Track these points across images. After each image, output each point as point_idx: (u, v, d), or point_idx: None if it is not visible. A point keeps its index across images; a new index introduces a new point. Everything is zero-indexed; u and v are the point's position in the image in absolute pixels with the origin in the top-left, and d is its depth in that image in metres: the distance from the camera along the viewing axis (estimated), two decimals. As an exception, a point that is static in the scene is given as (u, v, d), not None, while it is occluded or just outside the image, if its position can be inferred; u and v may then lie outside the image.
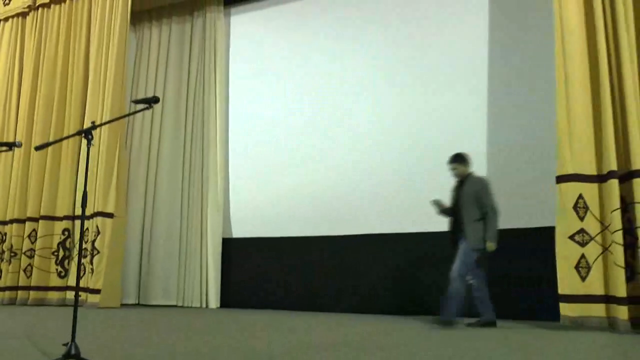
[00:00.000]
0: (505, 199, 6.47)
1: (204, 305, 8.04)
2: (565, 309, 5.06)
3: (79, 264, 3.47)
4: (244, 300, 7.93)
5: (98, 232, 7.71)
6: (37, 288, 8.24)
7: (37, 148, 3.53)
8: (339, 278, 7.30)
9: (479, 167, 6.57)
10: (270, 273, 7.84)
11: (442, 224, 5.76)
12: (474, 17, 7.04)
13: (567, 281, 5.09)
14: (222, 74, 8.69)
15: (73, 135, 3.52)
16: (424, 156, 6.97)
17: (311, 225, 7.60)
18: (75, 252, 7.98)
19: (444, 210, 5.58)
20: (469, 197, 5.36)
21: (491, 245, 5.24)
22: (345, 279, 7.26)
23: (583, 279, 5.09)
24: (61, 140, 3.67)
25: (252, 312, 7.27)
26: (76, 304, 3.33)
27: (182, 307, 8.18)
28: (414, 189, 6.91)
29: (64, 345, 3.23)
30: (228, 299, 8.04)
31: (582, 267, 5.12)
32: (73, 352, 3.17)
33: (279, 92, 8.30)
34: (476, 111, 6.85)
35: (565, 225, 5.21)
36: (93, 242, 7.80)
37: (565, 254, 5.14)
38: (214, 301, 7.98)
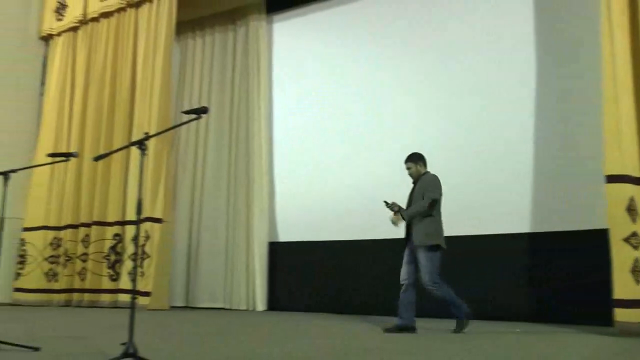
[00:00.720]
0: (552, 201, 6.44)
1: (250, 308, 8.13)
2: (620, 314, 4.84)
3: (135, 267, 3.66)
4: (291, 303, 7.99)
5: (147, 237, 7.94)
6: (91, 291, 8.57)
7: (96, 159, 3.71)
8: (386, 281, 7.20)
9: (525, 171, 6.59)
10: (317, 276, 7.84)
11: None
12: (518, 17, 6.94)
13: (621, 285, 4.90)
14: (265, 81, 8.81)
15: (129, 146, 3.70)
16: (469, 160, 6.93)
17: (357, 228, 7.58)
18: (126, 256, 8.25)
19: (398, 212, 5.34)
20: (418, 194, 5.24)
21: (399, 218, 5.14)
22: (392, 282, 7.20)
23: (638, 282, 4.92)
24: (118, 150, 3.86)
25: (298, 314, 7.35)
26: (133, 306, 3.50)
27: (229, 309, 8.30)
28: (461, 193, 6.88)
29: (122, 344, 3.40)
30: (275, 302, 8.12)
31: (637, 271, 4.98)
32: (131, 351, 3.35)
33: (322, 97, 8.35)
34: (521, 113, 6.75)
35: (618, 227, 5.03)
36: (142, 246, 8.02)
37: (620, 257, 4.95)
38: (260, 304, 8.06)
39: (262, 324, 6.15)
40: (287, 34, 9.00)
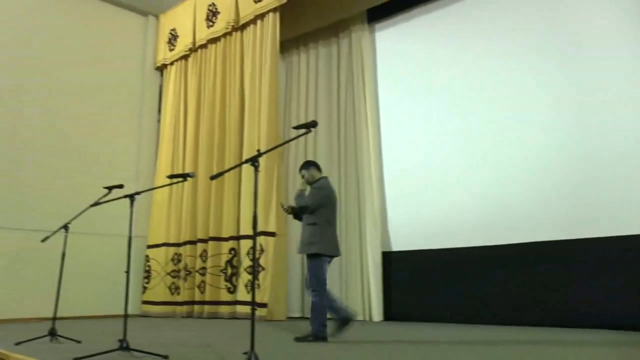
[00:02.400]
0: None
1: (367, 319, 8.08)
2: None
3: (253, 280, 3.80)
4: (408, 313, 7.86)
5: (262, 250, 8.16)
6: (210, 302, 8.92)
7: (212, 177, 3.92)
8: (505, 289, 6.90)
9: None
10: (433, 285, 7.63)
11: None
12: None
13: None
14: (370, 90, 8.77)
15: (242, 164, 3.88)
16: (595, 163, 6.48)
17: (471, 235, 7.35)
18: (242, 269, 8.55)
19: (295, 214, 5.53)
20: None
21: (289, 208, 5.35)
22: (510, 289, 6.87)
23: None
24: (232, 169, 4.06)
25: (415, 325, 7.24)
26: (253, 316, 3.64)
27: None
28: (580, 196, 6.50)
29: (244, 353, 3.55)
30: (392, 312, 7.99)
31: None
32: (253, 359, 3.48)
33: (431, 104, 8.16)
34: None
35: None
36: (257, 259, 8.26)
37: None
38: (377, 314, 7.98)
39: (379, 335, 6.13)
40: (390, 41, 8.92)
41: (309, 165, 5.61)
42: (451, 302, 7.42)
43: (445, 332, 6.11)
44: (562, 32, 6.96)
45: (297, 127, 3.78)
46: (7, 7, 9.35)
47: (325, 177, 5.53)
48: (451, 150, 7.85)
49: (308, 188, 5.47)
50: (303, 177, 5.56)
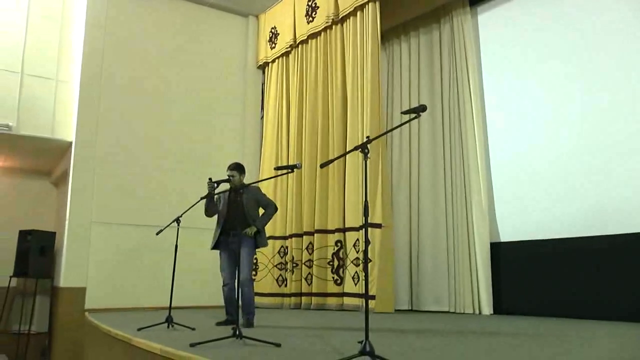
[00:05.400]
0: None
1: (476, 312, 7.85)
2: None
3: (366, 270, 3.76)
4: (518, 306, 7.56)
5: (368, 242, 8.12)
6: (318, 294, 8.99)
7: (322, 165, 3.93)
8: (619, 282, 6.42)
9: None
10: (545, 277, 7.25)
11: None
12: None
13: None
14: (474, 76, 8.48)
15: (351, 151, 3.84)
16: None
17: (583, 224, 6.91)
18: (349, 261, 8.55)
19: (210, 198, 5.79)
20: (251, 202, 5.92)
21: (253, 229, 5.76)
22: (626, 282, 6.38)
23: None
24: (340, 156, 4.04)
25: (525, 319, 6.94)
26: (367, 308, 3.61)
27: (454, 313, 8.13)
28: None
29: (359, 342, 3.52)
30: (501, 305, 7.72)
31: None
32: (368, 349, 3.44)
33: (539, 88, 7.74)
34: None
35: None
36: (364, 251, 8.25)
37: None
38: (486, 307, 7.72)
39: (489, 328, 5.91)
40: (493, 24, 8.57)
41: (242, 170, 6.07)
42: (565, 295, 7.01)
43: (556, 327, 5.80)
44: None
45: (406, 112, 3.67)
46: (122, 17, 10.03)
47: (245, 183, 6.02)
48: (559, 137, 7.43)
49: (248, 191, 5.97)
50: (233, 177, 5.91)
